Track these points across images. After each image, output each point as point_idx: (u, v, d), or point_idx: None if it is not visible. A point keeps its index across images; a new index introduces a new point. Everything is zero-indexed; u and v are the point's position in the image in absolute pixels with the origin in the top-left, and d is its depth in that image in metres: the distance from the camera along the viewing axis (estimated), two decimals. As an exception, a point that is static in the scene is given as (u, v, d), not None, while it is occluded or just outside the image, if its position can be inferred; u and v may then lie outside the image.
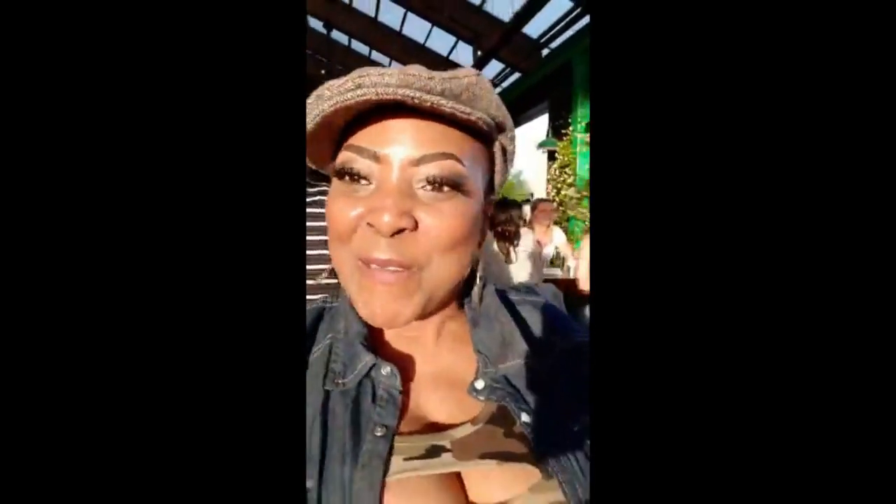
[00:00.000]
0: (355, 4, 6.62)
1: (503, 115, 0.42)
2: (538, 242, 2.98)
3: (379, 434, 0.40)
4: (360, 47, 7.69)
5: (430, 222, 0.37)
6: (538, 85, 6.06)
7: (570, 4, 4.77)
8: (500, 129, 0.43)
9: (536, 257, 2.73)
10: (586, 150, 4.94)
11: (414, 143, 0.37)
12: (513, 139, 0.46)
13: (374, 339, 0.46)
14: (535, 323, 0.50)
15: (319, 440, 0.39)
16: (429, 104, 0.34)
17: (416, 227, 0.37)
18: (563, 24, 5.04)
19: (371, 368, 0.43)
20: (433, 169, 0.37)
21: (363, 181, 0.38)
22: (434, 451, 0.40)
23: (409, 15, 6.18)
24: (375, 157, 0.37)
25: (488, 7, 5.66)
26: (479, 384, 0.44)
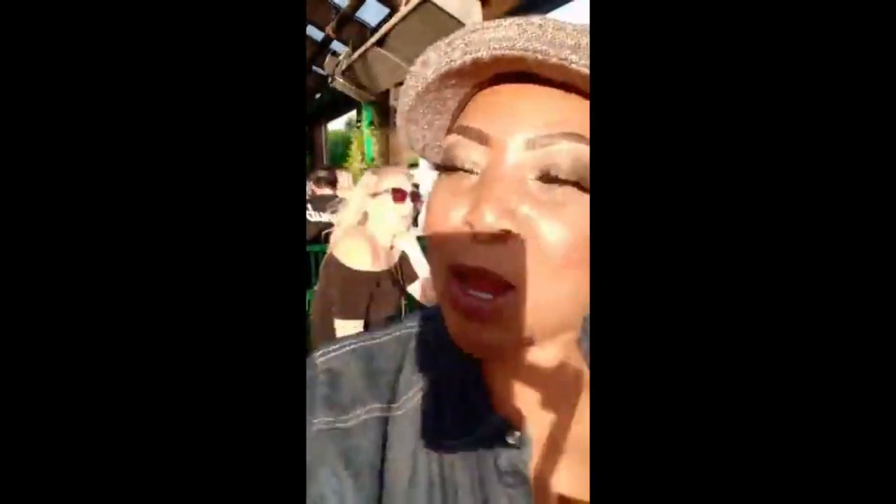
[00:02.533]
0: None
1: None
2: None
3: None
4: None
5: (545, 229, 0.27)
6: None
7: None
8: None
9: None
10: (370, 137, 8.07)
11: (531, 118, 0.28)
12: None
13: (489, 384, 0.35)
14: None
15: None
16: (554, 60, 0.26)
17: (525, 232, 0.27)
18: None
19: (494, 432, 0.33)
20: (554, 156, 0.27)
21: (468, 172, 0.29)
22: None
23: None
24: (481, 137, 0.29)
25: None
26: None
